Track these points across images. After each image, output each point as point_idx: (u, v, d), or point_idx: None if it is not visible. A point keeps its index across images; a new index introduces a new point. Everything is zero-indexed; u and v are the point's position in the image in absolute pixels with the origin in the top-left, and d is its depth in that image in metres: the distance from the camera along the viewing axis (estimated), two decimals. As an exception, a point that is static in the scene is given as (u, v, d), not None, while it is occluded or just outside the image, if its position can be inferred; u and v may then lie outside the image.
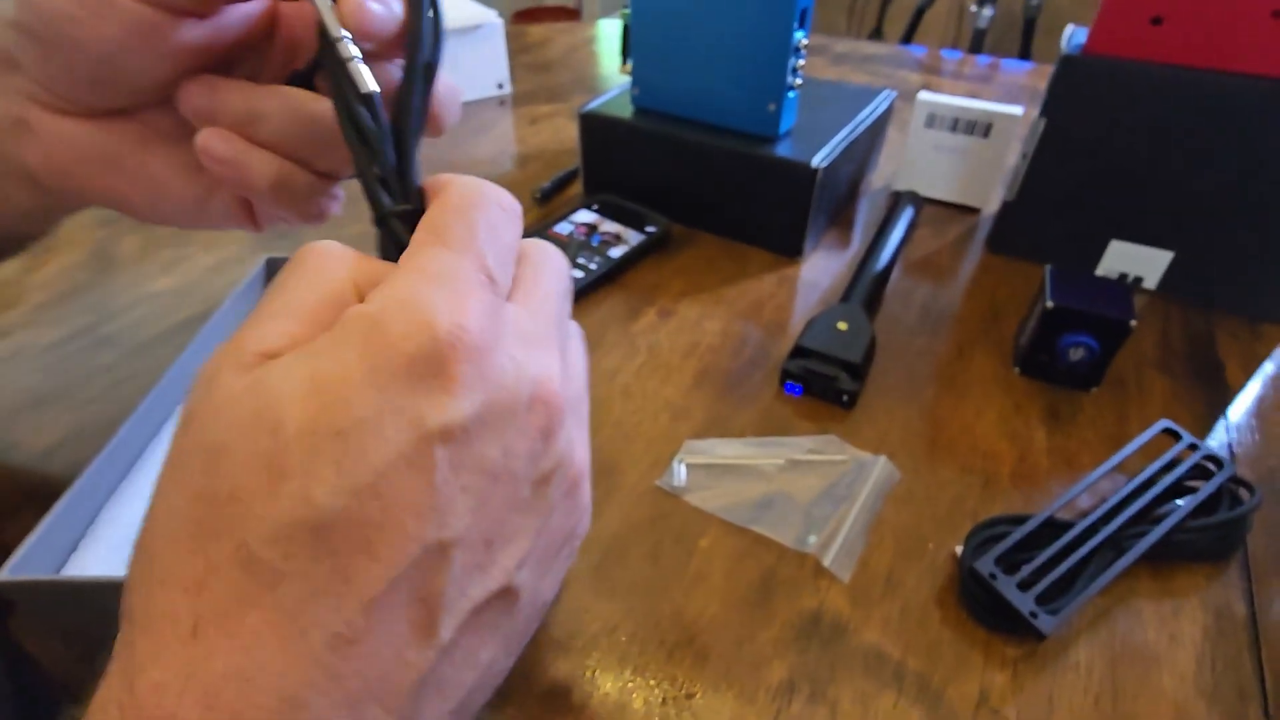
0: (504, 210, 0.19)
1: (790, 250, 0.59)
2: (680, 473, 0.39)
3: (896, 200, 0.63)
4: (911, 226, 0.62)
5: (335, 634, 0.14)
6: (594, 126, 0.64)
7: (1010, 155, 0.64)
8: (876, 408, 0.45)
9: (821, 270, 0.58)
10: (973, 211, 0.67)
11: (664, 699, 0.30)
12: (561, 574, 0.20)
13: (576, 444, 0.19)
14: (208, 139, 0.21)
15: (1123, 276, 0.56)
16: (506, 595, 0.17)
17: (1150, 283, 0.55)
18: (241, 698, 0.13)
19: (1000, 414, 0.44)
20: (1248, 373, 0.48)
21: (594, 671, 0.31)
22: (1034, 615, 0.31)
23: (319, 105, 0.22)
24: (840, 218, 0.66)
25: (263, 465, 0.14)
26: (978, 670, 0.31)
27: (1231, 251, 0.52)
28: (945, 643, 0.32)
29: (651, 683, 0.31)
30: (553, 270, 0.20)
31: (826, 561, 0.35)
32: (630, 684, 0.30)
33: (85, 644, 0.28)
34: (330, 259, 0.17)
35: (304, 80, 0.24)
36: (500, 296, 0.18)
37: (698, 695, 0.30)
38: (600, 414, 0.44)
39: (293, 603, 0.14)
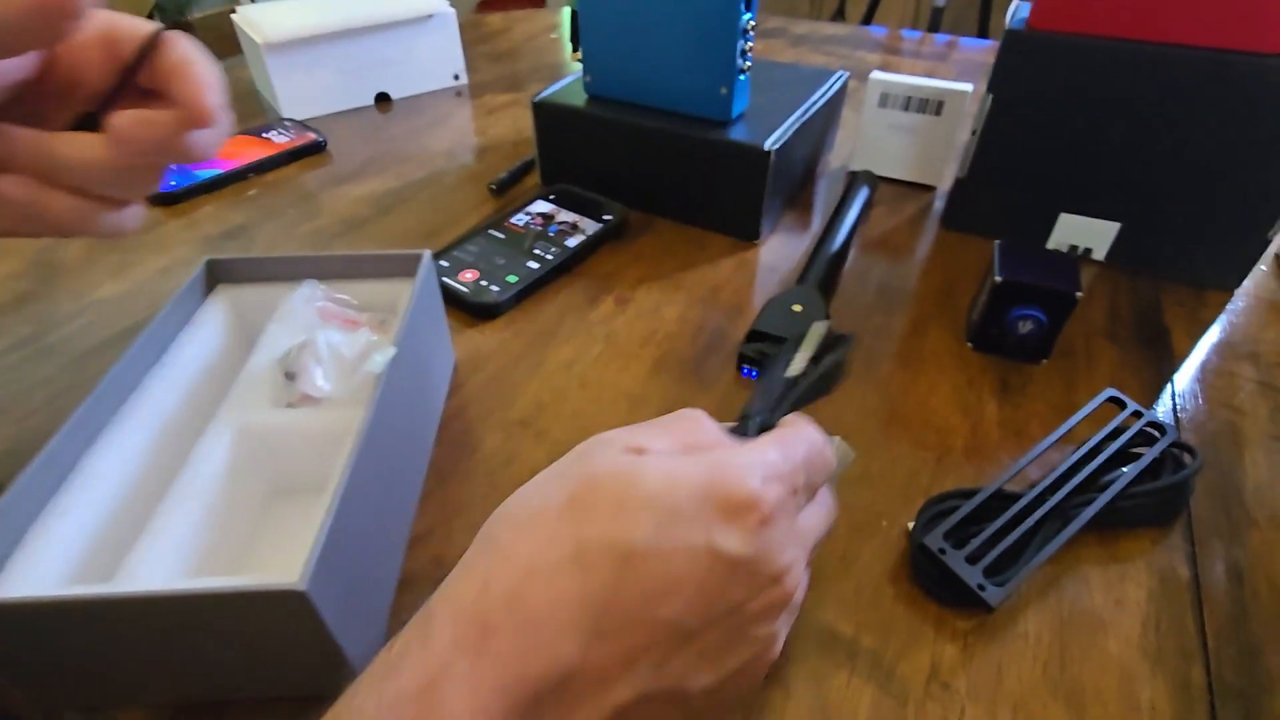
0: (823, 457, 0.26)
1: (747, 234, 0.59)
2: (636, 461, 0.39)
3: (852, 180, 0.63)
4: (867, 206, 0.62)
5: (601, 632, 0.20)
6: (547, 115, 0.63)
7: (962, 132, 0.64)
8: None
9: (780, 253, 0.59)
10: (928, 189, 0.67)
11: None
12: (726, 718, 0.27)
13: (781, 635, 0.24)
14: (6, 187, 0.23)
15: (1072, 249, 0.56)
16: (682, 700, 0.21)
17: (1099, 254, 0.56)
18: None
19: (954, 389, 0.45)
20: (1193, 339, 0.49)
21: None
22: (981, 588, 0.31)
23: (109, 150, 0.23)
24: (798, 199, 0.66)
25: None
26: (929, 644, 0.31)
27: (1176, 221, 0.52)
28: (898, 619, 0.32)
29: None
30: (826, 518, 0.27)
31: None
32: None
33: (13, 669, 0.27)
34: (706, 422, 0.26)
35: (93, 121, 0.24)
36: (797, 504, 0.24)
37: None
38: (557, 405, 0.44)
39: (586, 598, 0.20)
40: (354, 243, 0.61)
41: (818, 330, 0.35)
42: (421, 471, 0.39)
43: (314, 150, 0.74)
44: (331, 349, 0.34)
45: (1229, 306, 0.52)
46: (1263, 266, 0.56)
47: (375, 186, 0.69)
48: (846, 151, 0.73)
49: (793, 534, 0.23)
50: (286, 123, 0.78)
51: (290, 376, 0.34)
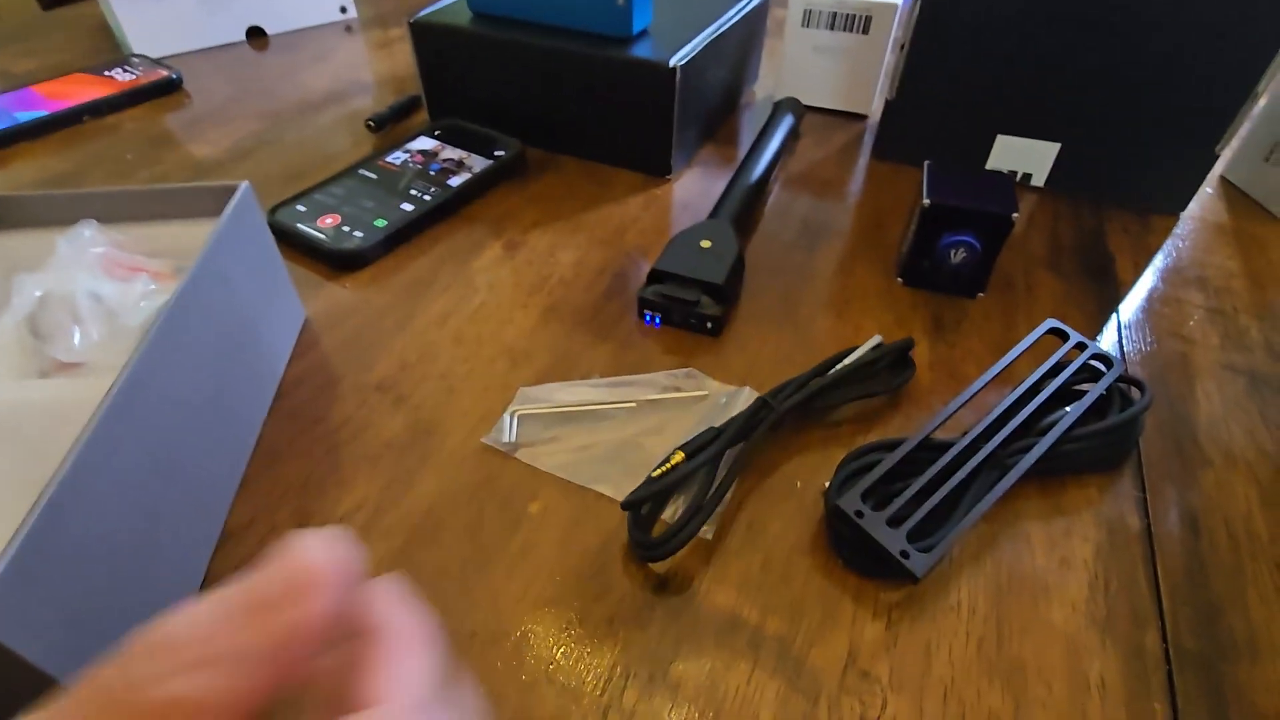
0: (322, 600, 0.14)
1: (658, 168, 0.53)
2: (510, 426, 0.33)
3: (775, 109, 0.57)
4: (791, 136, 0.56)
5: None
6: (428, 38, 0.55)
7: (892, 54, 0.59)
8: (747, 333, 0.39)
9: (696, 190, 0.52)
10: (859, 119, 0.61)
11: (471, 705, 0.24)
12: None
13: None
14: None
15: (1011, 174, 0.52)
16: None
17: (1038, 179, 0.51)
18: None
19: (881, 329, 0.39)
20: (1139, 266, 0.45)
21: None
22: (905, 555, 0.26)
23: None
24: (717, 132, 0.60)
25: None
26: (847, 626, 0.26)
27: (1118, 140, 0.48)
28: (811, 597, 0.27)
29: (457, 686, 0.25)
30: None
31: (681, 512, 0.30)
32: (427, 692, 0.24)
33: None
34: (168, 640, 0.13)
35: None
36: None
37: (509, 698, 0.24)
38: (424, 366, 0.37)
39: None
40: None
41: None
42: (244, 451, 0.32)
43: (166, 89, 0.64)
44: (96, 303, 0.27)
45: (1175, 231, 0.48)
46: (1208, 189, 0.53)
47: (236, 129, 0.59)
48: (773, 82, 0.66)
49: None
50: (135, 59, 0.67)
51: (39, 338, 0.26)
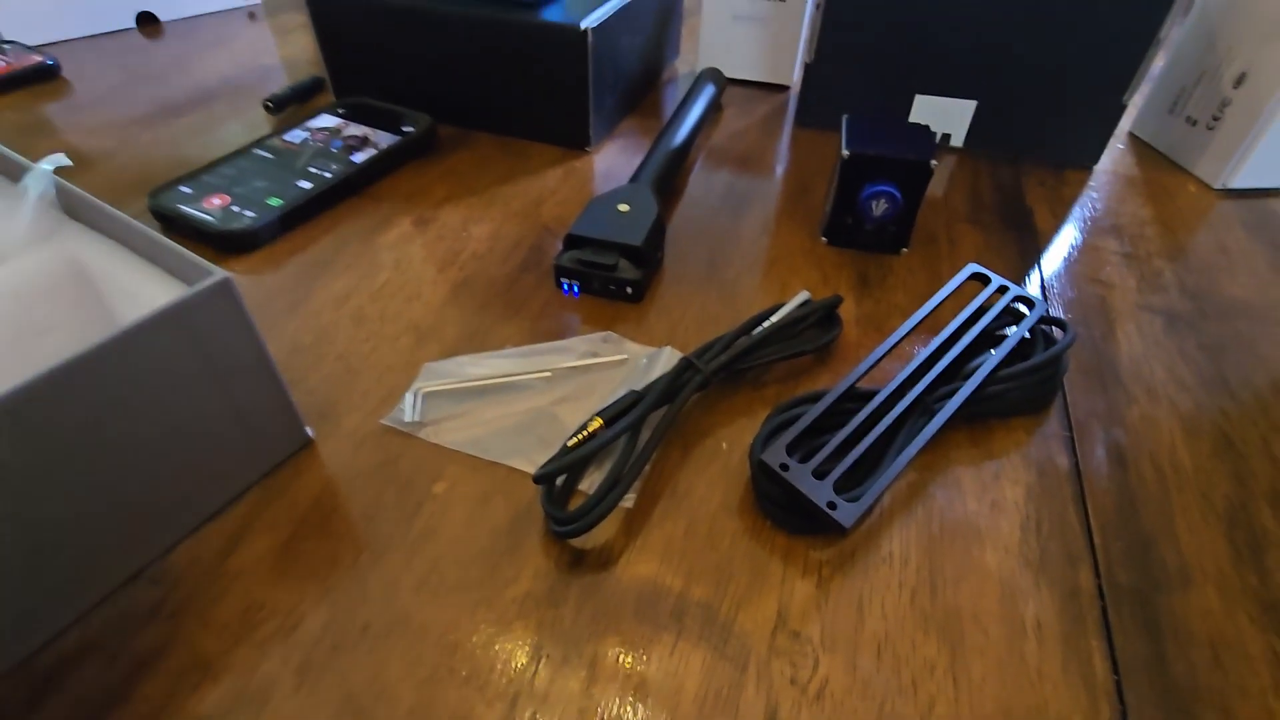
0: None
1: (576, 140, 0.51)
2: (413, 404, 0.31)
3: (697, 80, 0.55)
4: (714, 107, 0.55)
5: None
6: (327, 10, 0.51)
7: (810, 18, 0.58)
8: (670, 297, 0.38)
9: (617, 162, 0.50)
10: (781, 90, 0.61)
11: (365, 704, 0.22)
12: None
13: None
14: None
15: (932, 136, 0.52)
16: None
17: (957, 139, 0.51)
18: None
19: (807, 287, 0.38)
20: (1057, 218, 0.45)
21: (266, 688, 0.22)
22: (832, 506, 0.25)
23: None
24: (638, 104, 0.58)
25: None
26: (775, 587, 0.25)
27: (1031, 95, 0.48)
28: (738, 560, 0.26)
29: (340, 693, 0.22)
30: None
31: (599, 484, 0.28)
32: (309, 700, 0.22)
33: None
34: None
35: None
36: None
37: (403, 696, 0.22)
38: (320, 347, 0.34)
39: None
40: (75, 183, 0.47)
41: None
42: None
43: (40, 77, 0.59)
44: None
45: (1089, 184, 0.49)
46: (1119, 145, 0.54)
47: (119, 116, 0.55)
48: (695, 59, 0.65)
49: None
50: (5, 46, 0.62)
51: None
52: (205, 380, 0.24)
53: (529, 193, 0.46)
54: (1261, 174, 0.47)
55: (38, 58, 0.60)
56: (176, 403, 0.23)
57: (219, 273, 0.23)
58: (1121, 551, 0.26)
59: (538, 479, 0.26)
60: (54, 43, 0.66)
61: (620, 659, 0.23)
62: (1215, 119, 0.48)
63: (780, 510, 0.26)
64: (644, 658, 0.23)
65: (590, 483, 0.28)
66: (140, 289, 0.26)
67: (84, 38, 0.68)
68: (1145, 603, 0.25)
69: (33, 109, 0.56)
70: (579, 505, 0.26)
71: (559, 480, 0.27)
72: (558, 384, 0.32)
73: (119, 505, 0.23)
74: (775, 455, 0.26)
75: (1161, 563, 0.26)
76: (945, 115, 0.50)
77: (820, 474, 0.26)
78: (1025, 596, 0.25)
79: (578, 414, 0.31)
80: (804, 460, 0.26)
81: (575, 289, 0.38)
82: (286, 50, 0.67)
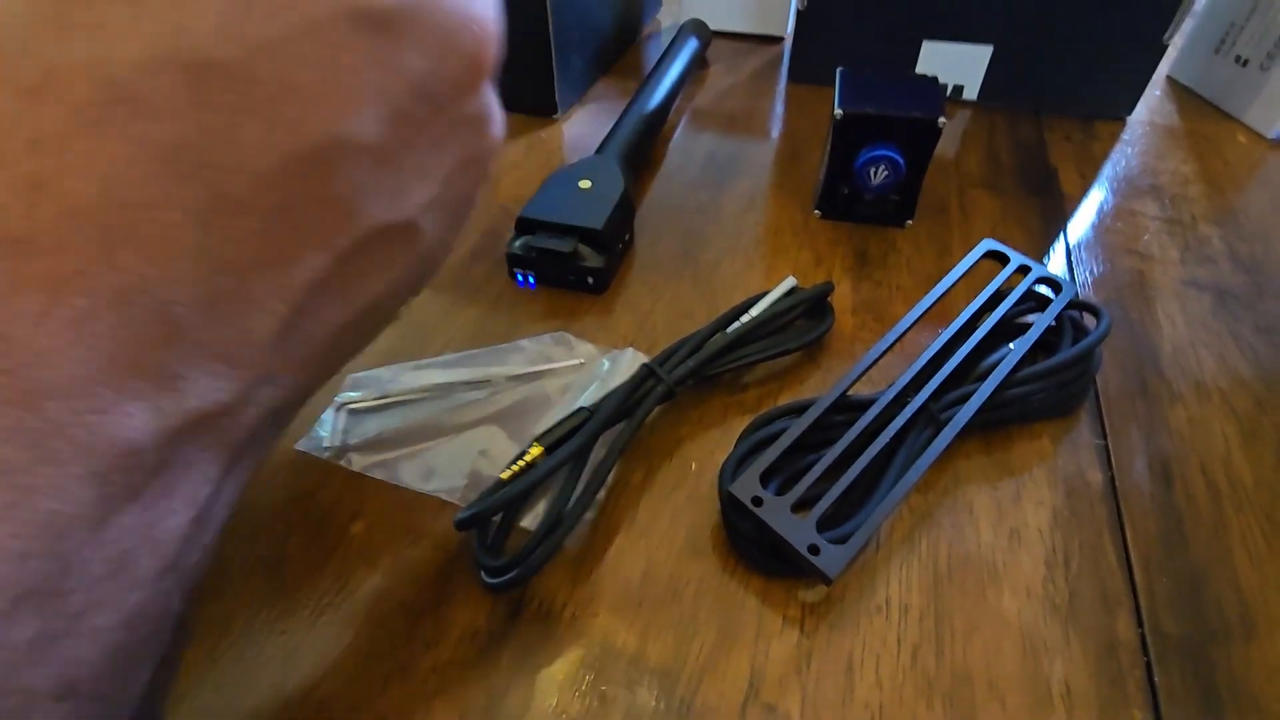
0: None
1: (541, 107, 0.45)
2: (332, 424, 0.26)
3: (678, 34, 0.50)
4: (696, 63, 0.49)
5: (221, 195, 0.11)
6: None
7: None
8: (638, 286, 0.33)
9: (589, 130, 0.45)
10: (773, 41, 0.55)
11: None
12: (458, 233, 0.18)
13: (493, 105, 0.16)
14: None
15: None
16: (409, 232, 0.15)
17: (970, 91, 0.45)
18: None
19: (797, 270, 0.34)
20: (1085, 179, 0.39)
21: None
22: (814, 550, 0.20)
23: None
24: (613, 65, 0.52)
25: None
26: (748, 645, 0.21)
27: (1055, 39, 0.42)
28: (704, 611, 0.21)
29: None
30: None
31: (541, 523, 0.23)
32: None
33: None
34: None
35: None
36: None
37: (292, 795, 0.18)
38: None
39: (166, 146, 0.11)
40: None
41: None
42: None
43: None
44: None
45: (1123, 137, 0.43)
46: (1155, 91, 0.47)
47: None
48: (678, 9, 0.59)
49: None
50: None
51: None
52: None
53: (487, 169, 0.41)
54: (1322, 120, 0.41)
55: None
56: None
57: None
58: (1168, 592, 0.22)
59: (460, 524, 0.22)
60: None
61: (556, 745, 0.19)
62: (1270, 57, 0.41)
63: (754, 550, 0.22)
64: (585, 743, 0.19)
65: (533, 518, 0.24)
66: None
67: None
68: (1199, 658, 0.20)
69: None
70: (514, 555, 0.21)
71: (495, 518, 0.23)
72: (503, 395, 0.28)
73: None
74: (747, 486, 0.22)
75: (1218, 605, 0.21)
76: (957, 63, 0.45)
77: (801, 506, 0.21)
78: (1051, 653, 0.20)
79: (526, 430, 0.26)
80: (783, 490, 0.22)
81: (531, 280, 0.33)
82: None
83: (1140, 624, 0.21)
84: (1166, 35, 0.40)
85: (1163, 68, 0.49)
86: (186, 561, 0.13)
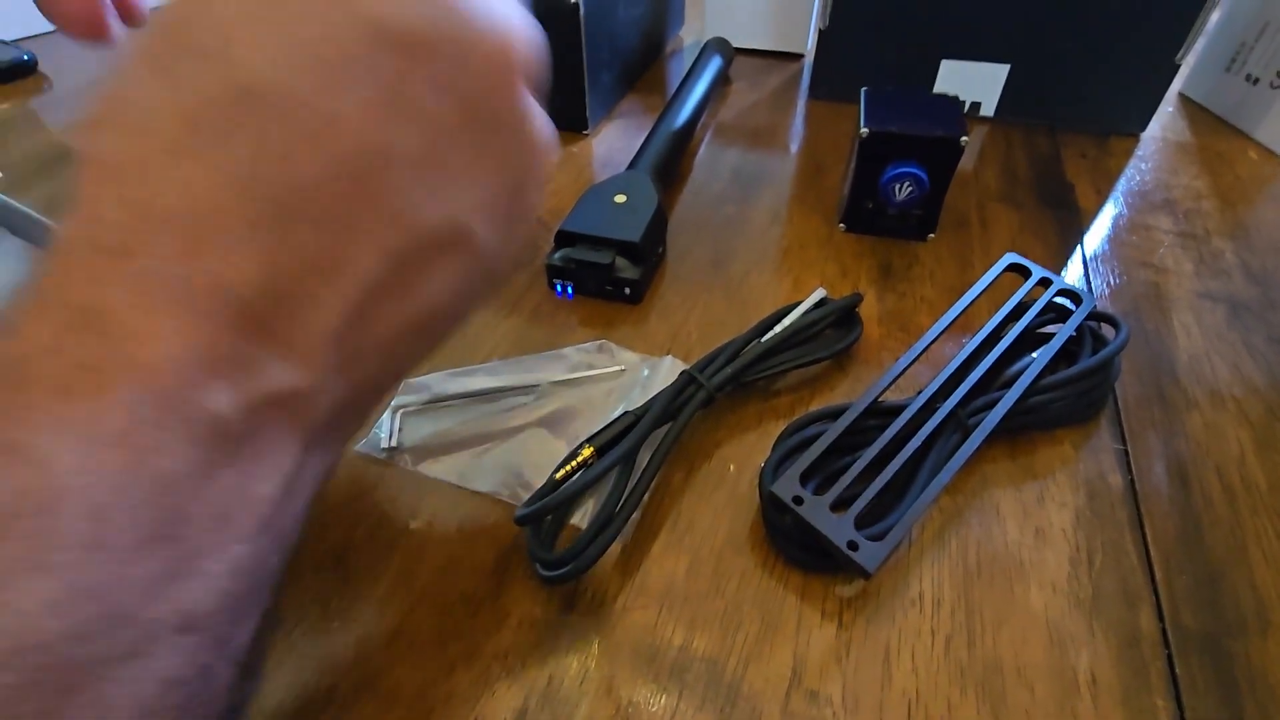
0: None
1: (573, 122, 0.47)
2: (389, 427, 0.28)
3: (701, 51, 0.51)
4: (721, 80, 0.51)
5: (277, 205, 0.13)
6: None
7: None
8: (672, 297, 0.34)
9: (618, 145, 0.47)
10: (794, 59, 0.57)
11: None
12: (520, 238, 0.19)
13: (533, 109, 0.17)
14: None
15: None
16: (463, 237, 0.16)
17: (988, 108, 0.47)
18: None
19: (824, 282, 0.35)
20: (1101, 193, 0.41)
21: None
22: (853, 547, 0.22)
23: None
24: (640, 81, 0.54)
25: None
26: (790, 636, 0.22)
27: (1070, 57, 0.44)
28: (747, 603, 0.23)
29: (311, 759, 0.20)
30: None
31: (590, 519, 0.25)
32: (270, 772, 0.19)
33: None
34: None
35: None
36: None
37: (372, 769, 0.19)
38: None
39: (231, 167, 0.13)
40: (59, 179, 0.45)
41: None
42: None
43: (18, 73, 0.57)
44: None
45: (1136, 153, 0.44)
46: (1168, 108, 0.49)
47: (96, 111, 0.52)
48: (700, 27, 0.61)
49: None
50: (-20, 42, 0.59)
51: None
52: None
53: (521, 182, 0.43)
54: (1332, 136, 0.42)
55: (14, 53, 0.57)
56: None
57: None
58: (1187, 588, 0.23)
59: (519, 521, 0.23)
60: (30, 37, 0.63)
61: (614, 727, 0.20)
62: (1280, 76, 0.43)
63: (794, 547, 0.23)
64: (641, 725, 0.20)
65: (583, 515, 0.25)
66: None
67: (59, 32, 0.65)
68: (1217, 650, 0.22)
69: (11, 104, 0.54)
70: (566, 549, 0.23)
71: (548, 517, 0.24)
72: (549, 399, 0.29)
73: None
74: (788, 486, 0.23)
75: (1234, 601, 0.23)
76: (974, 81, 0.46)
77: (839, 505, 0.23)
78: (1077, 644, 0.22)
79: (571, 433, 0.28)
80: (821, 490, 0.23)
81: (569, 290, 0.35)
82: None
83: (1161, 618, 0.22)
84: (1179, 55, 0.42)
85: (1175, 85, 0.51)
86: (280, 524, 0.15)
